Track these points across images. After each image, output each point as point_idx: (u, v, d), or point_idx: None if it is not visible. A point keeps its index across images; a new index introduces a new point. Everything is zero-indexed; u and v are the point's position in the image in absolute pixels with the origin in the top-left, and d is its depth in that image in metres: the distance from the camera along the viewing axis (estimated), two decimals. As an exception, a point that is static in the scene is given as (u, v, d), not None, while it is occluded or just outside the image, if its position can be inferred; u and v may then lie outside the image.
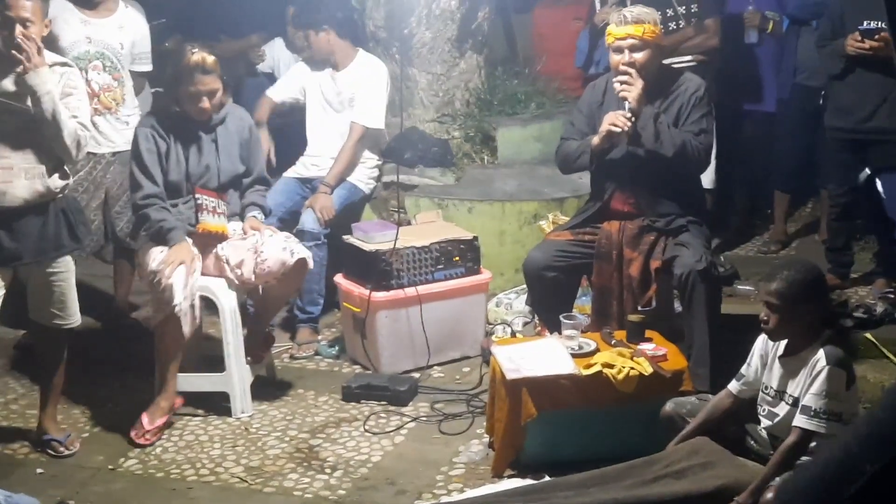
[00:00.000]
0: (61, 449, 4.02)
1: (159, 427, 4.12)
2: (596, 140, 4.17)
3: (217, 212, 4.34)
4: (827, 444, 2.94)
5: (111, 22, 4.95)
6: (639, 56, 4.09)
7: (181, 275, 4.03)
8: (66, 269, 3.95)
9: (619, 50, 4.11)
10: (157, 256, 4.11)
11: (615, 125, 4.07)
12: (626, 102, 4.05)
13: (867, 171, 5.00)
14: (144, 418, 4.10)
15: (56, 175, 3.85)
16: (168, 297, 4.00)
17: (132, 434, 4.09)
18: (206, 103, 4.23)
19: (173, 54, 4.32)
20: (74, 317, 4.01)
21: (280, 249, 4.24)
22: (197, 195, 4.29)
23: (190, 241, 4.19)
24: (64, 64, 3.92)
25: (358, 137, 5.18)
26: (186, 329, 4.06)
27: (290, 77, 5.52)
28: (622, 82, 4.06)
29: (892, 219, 4.84)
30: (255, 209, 4.45)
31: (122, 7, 5.03)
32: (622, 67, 4.09)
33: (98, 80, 4.90)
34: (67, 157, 3.84)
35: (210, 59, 4.21)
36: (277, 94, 5.48)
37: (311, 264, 4.35)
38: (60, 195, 3.89)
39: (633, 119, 4.06)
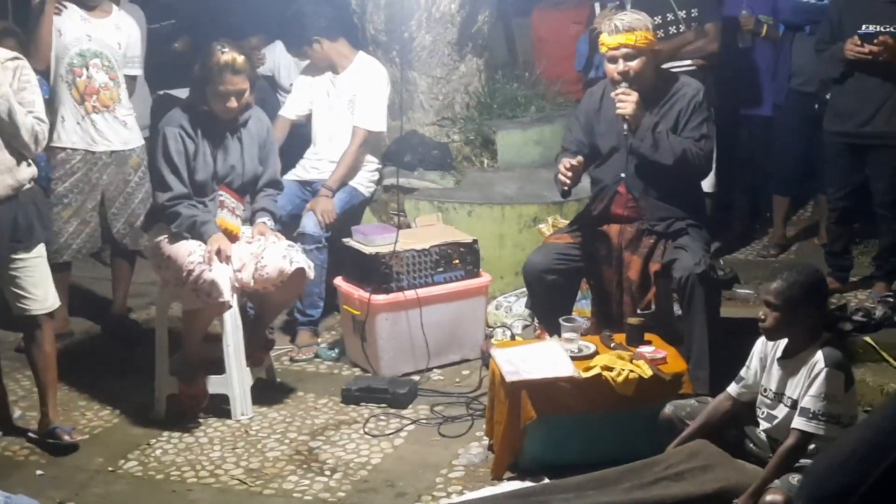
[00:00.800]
0: (66, 437, 4.05)
1: (204, 383, 4.25)
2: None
3: (236, 213, 4.35)
4: (856, 425, 2.94)
5: (108, 22, 5.00)
6: (633, 64, 4.08)
7: (223, 270, 4.09)
8: (40, 255, 4.02)
9: (613, 59, 4.10)
10: (193, 251, 4.11)
11: (563, 175, 4.09)
12: (625, 120, 4.05)
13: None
14: (181, 386, 4.24)
15: (24, 164, 3.90)
16: (213, 292, 4.04)
17: (198, 407, 4.23)
18: (234, 103, 4.23)
19: (202, 53, 4.29)
20: (52, 299, 4.08)
21: (280, 258, 4.24)
22: (220, 192, 4.32)
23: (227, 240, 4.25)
24: (15, 58, 3.92)
25: (360, 142, 5.18)
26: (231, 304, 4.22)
27: (297, 92, 5.43)
28: (616, 98, 4.06)
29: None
30: (266, 215, 4.46)
31: (117, 10, 5.08)
32: (616, 77, 4.10)
33: (98, 78, 4.92)
34: (27, 152, 3.89)
35: (240, 58, 4.20)
36: (291, 111, 5.42)
37: (310, 275, 4.34)
38: (29, 185, 3.94)
39: (629, 131, 4.07)
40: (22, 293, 3.99)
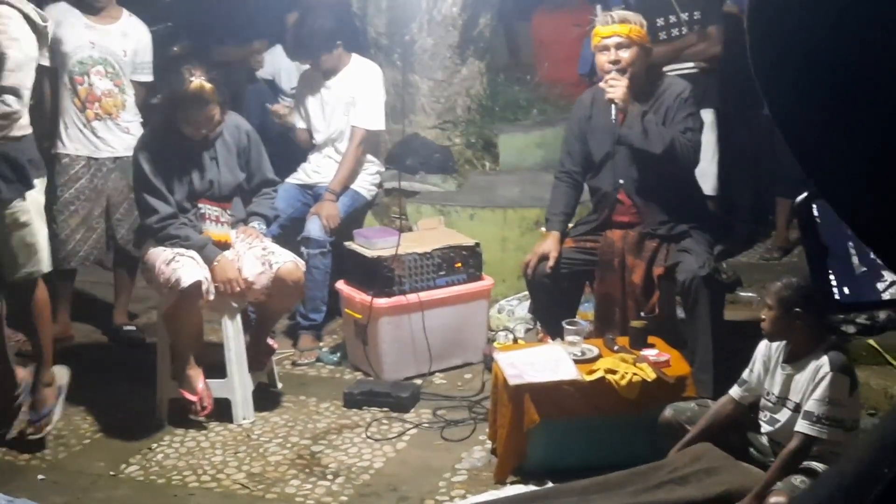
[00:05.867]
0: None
1: (204, 389, 4.21)
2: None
3: (220, 221, 4.35)
4: (840, 458, 2.94)
5: (115, 29, 4.97)
6: (625, 54, 4.10)
7: (189, 264, 4.08)
8: (21, 210, 3.84)
9: (606, 48, 4.13)
10: (168, 258, 4.11)
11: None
12: (613, 104, 4.06)
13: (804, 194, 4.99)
14: (185, 394, 4.19)
15: None
16: (177, 283, 4.02)
17: (199, 414, 4.21)
18: (205, 129, 4.22)
19: (172, 77, 4.24)
20: (44, 262, 3.96)
21: (259, 266, 4.24)
22: (200, 205, 4.30)
23: (223, 252, 4.24)
24: None
25: (359, 141, 5.16)
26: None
27: (297, 108, 5.41)
28: (607, 83, 4.08)
29: (826, 246, 4.83)
30: (257, 219, 4.46)
31: (126, 15, 5.05)
32: (607, 66, 4.11)
33: (100, 86, 4.91)
34: None
35: (208, 86, 4.12)
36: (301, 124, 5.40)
37: (300, 269, 4.33)
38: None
39: (621, 114, 4.07)
40: (8, 255, 3.85)
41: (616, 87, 4.05)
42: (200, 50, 6.02)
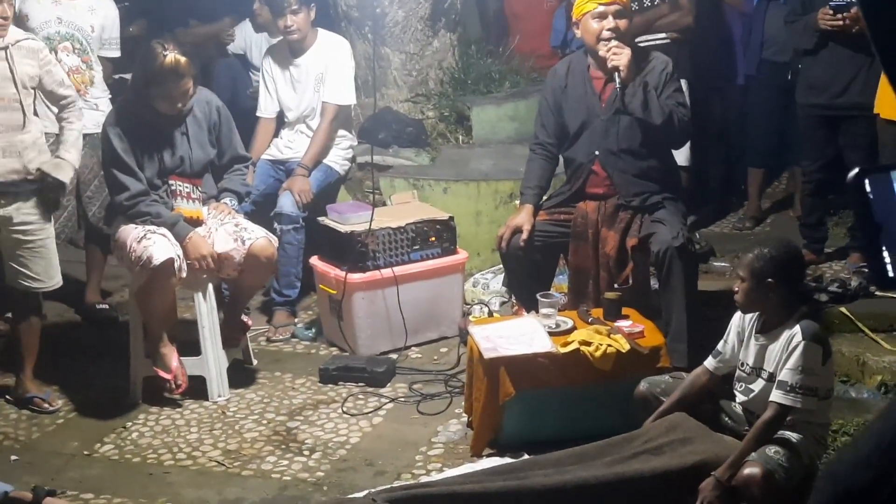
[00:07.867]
0: (45, 405, 4.19)
1: (178, 366, 4.20)
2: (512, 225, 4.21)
3: (191, 197, 4.31)
4: (879, 418, 2.95)
5: (82, 4, 4.92)
6: (622, 22, 4.07)
7: (160, 241, 4.05)
8: (45, 235, 4.11)
9: (603, 16, 4.07)
10: (140, 235, 4.08)
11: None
12: (617, 72, 4.02)
13: (856, 170, 5.01)
14: (160, 372, 4.18)
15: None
16: (148, 261, 4.00)
17: (174, 392, 4.21)
18: (181, 103, 4.18)
19: (143, 52, 4.17)
20: (52, 280, 4.16)
21: (231, 242, 4.21)
22: (171, 181, 4.26)
23: (195, 229, 4.21)
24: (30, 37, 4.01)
25: (332, 117, 5.13)
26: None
27: (264, 87, 5.33)
28: (610, 50, 4.03)
29: (879, 222, 4.85)
30: (228, 195, 4.43)
31: None
32: (606, 33, 4.06)
33: (68, 62, 4.85)
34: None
35: (183, 60, 4.07)
36: (268, 110, 5.31)
37: (273, 245, 4.31)
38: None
39: (620, 86, 4.04)
40: (21, 268, 4.08)
41: (621, 56, 4.01)
42: (156, 29, 5.94)
